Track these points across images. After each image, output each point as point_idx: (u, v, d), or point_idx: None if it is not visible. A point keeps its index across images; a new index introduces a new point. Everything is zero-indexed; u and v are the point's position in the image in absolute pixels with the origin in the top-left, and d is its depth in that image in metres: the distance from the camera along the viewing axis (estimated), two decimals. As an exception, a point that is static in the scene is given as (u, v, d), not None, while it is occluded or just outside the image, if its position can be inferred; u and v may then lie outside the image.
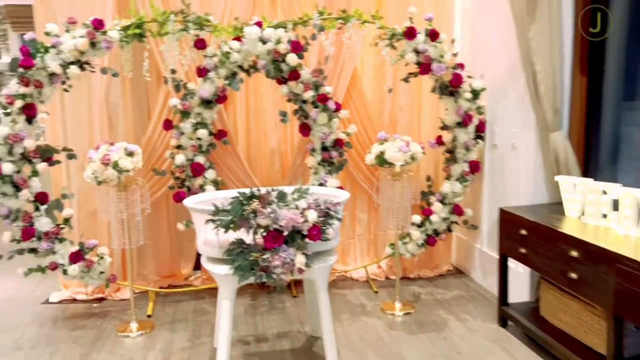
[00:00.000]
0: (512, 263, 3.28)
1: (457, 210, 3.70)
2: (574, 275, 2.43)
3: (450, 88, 3.49)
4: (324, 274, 2.55)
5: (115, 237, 3.21)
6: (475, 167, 3.64)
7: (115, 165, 2.95)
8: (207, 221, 2.34)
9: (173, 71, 3.38)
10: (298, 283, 3.76)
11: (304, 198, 2.39)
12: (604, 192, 2.58)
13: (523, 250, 2.84)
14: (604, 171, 3.10)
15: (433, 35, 3.36)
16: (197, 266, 4.03)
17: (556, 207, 2.98)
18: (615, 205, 2.52)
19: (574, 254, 2.42)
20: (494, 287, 3.58)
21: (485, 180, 3.77)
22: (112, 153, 2.98)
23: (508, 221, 2.99)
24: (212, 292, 3.74)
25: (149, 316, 3.43)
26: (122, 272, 3.74)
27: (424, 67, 3.40)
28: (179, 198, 3.50)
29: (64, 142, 3.58)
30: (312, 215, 2.36)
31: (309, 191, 2.44)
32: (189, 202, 2.62)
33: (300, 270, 2.38)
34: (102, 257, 3.35)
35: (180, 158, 3.46)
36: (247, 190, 2.35)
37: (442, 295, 3.68)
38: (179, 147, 3.50)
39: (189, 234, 3.87)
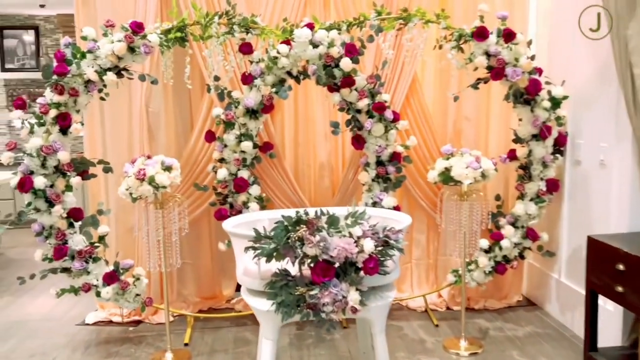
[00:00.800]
0: (600, 300, 2.79)
1: (531, 234, 3.27)
2: (694, 327, 1.95)
3: (526, 96, 3.07)
4: (381, 313, 2.19)
5: (150, 258, 2.96)
6: (553, 185, 3.18)
7: (152, 181, 2.70)
8: (247, 249, 2.03)
9: (216, 78, 3.12)
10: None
11: (360, 224, 2.03)
12: None
13: (620, 289, 2.37)
14: None
15: (508, 35, 2.94)
16: (240, 287, 3.72)
17: (660, 237, 2.49)
18: None
19: (696, 300, 1.94)
20: (575, 324, 3.11)
21: (565, 201, 3.30)
22: (148, 167, 2.72)
23: (599, 252, 2.52)
24: (254, 318, 3.43)
25: (185, 344, 3.16)
26: (160, 294, 3.48)
27: (497, 71, 2.98)
28: (220, 216, 3.23)
29: (103, 153, 3.39)
30: (369, 245, 2.00)
31: (365, 216, 2.08)
32: (227, 224, 2.31)
33: (354, 310, 2.02)
34: (138, 279, 3.11)
35: (222, 172, 3.19)
36: (293, 213, 2.02)
37: (513, 332, 3.22)
38: (221, 160, 3.24)
39: (231, 253, 3.57)
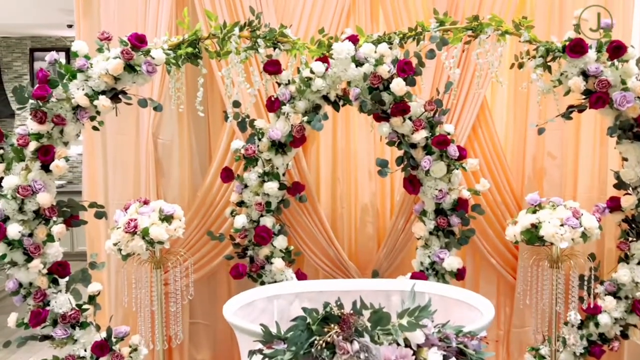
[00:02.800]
0: None
1: (638, 307, 2.53)
2: None
3: (637, 129, 2.34)
4: None
5: (142, 331, 2.37)
6: (671, 247, 2.43)
7: (145, 234, 2.11)
8: (252, 354, 1.38)
9: (236, 104, 2.59)
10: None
11: (419, 325, 1.35)
12: None
13: None
14: None
15: (615, 50, 2.25)
16: (263, 353, 3.12)
17: None
18: None
19: None
20: None
21: (687, 267, 2.52)
22: (142, 216, 2.15)
23: None
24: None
25: None
26: (167, 363, 2.91)
27: (599, 96, 2.28)
28: (237, 273, 2.67)
29: (104, 193, 2.92)
30: (435, 358, 1.31)
31: (428, 310, 1.40)
32: (228, 311, 1.68)
33: None
34: (135, 349, 2.57)
35: (241, 219, 2.63)
36: (320, 306, 1.37)
37: None
38: (240, 204, 2.68)
39: (253, 316, 3.00)
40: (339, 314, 1.36)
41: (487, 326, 1.50)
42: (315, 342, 1.34)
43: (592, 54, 2.30)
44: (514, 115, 2.93)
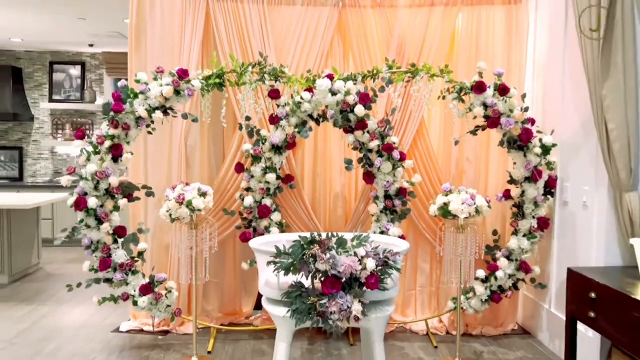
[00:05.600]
0: (581, 327, 3.11)
1: (524, 267, 3.60)
2: (647, 346, 2.28)
3: (519, 142, 3.46)
4: (380, 324, 2.55)
5: (183, 272, 3.38)
6: (544, 223, 3.53)
7: (189, 204, 3.14)
8: (269, 263, 2.43)
9: (248, 118, 3.58)
10: (356, 331, 3.74)
11: (363, 246, 2.43)
12: (683, 259, 2.43)
13: (592, 314, 2.70)
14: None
15: (502, 90, 3.37)
16: (258, 306, 4.11)
17: (631, 270, 2.82)
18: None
19: (648, 322, 2.28)
20: (561, 350, 3.39)
21: (554, 237, 3.64)
22: (187, 193, 3.17)
23: (576, 282, 2.86)
24: (271, 332, 3.80)
25: (209, 352, 3.53)
26: (187, 307, 3.88)
27: (492, 120, 3.40)
28: (245, 238, 3.63)
29: (144, 179, 3.83)
30: (371, 264, 2.39)
31: (368, 239, 2.48)
32: (253, 243, 2.73)
33: (357, 319, 2.39)
34: (169, 291, 3.51)
35: (248, 200, 3.61)
36: (308, 235, 2.43)
37: (505, 356, 3.53)
38: (248, 189, 3.66)
39: (252, 273, 3.98)
40: (319, 239, 2.42)
41: (404, 252, 2.56)
42: (305, 254, 2.40)
43: (489, 91, 3.41)
44: (443, 131, 3.96)
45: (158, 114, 3.33)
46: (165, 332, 3.85)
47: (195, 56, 3.78)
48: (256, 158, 3.60)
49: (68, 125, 7.26)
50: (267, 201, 3.63)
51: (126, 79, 3.59)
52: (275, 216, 3.65)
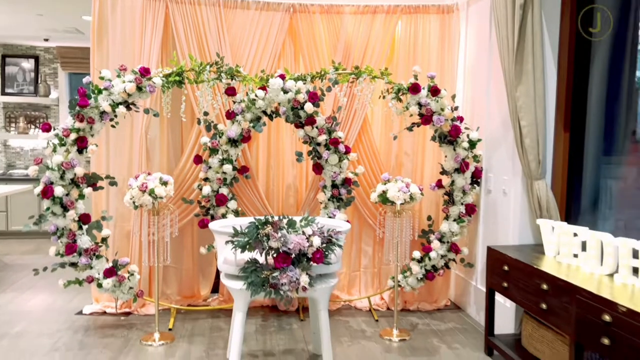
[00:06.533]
0: (500, 298, 3.60)
1: (454, 248, 4.05)
2: (544, 306, 2.76)
3: (449, 138, 3.91)
4: (325, 294, 2.93)
5: (145, 256, 3.65)
6: (471, 209, 4.00)
7: (151, 192, 3.42)
8: (227, 242, 2.76)
9: (206, 113, 3.87)
10: (306, 308, 4.12)
11: (310, 226, 2.80)
12: (575, 235, 2.92)
13: (505, 285, 3.18)
14: (585, 218, 3.44)
15: (434, 91, 3.80)
16: (215, 289, 4.42)
17: (539, 247, 3.32)
18: (585, 247, 2.85)
19: (545, 287, 2.75)
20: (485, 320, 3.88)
21: (480, 222, 4.12)
22: (149, 181, 3.44)
23: (494, 258, 3.34)
24: (228, 312, 4.13)
25: (170, 329, 3.82)
26: (148, 290, 4.15)
27: (426, 118, 3.84)
28: (203, 225, 3.93)
29: (106, 170, 4.07)
30: (317, 241, 2.76)
31: (314, 220, 2.85)
32: (213, 225, 3.06)
33: (304, 289, 2.76)
34: (132, 274, 3.77)
35: (206, 189, 3.91)
36: (262, 217, 2.77)
37: (437, 327, 3.98)
38: (206, 179, 3.95)
39: (210, 258, 4.31)
40: (272, 221, 2.77)
41: (346, 232, 2.95)
42: (260, 233, 2.74)
43: (423, 92, 3.84)
44: (384, 127, 4.39)
45: (121, 109, 3.58)
46: (128, 314, 4.11)
47: (156, 55, 4.03)
48: (214, 150, 3.90)
49: (22, 119, 7.27)
50: (224, 190, 3.94)
51: (82, 74, 3.81)
52: (232, 204, 3.96)
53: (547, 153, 3.46)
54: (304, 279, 2.76)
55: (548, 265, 2.91)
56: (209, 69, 3.75)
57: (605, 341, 2.27)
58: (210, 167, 3.92)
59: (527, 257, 3.09)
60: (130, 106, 3.66)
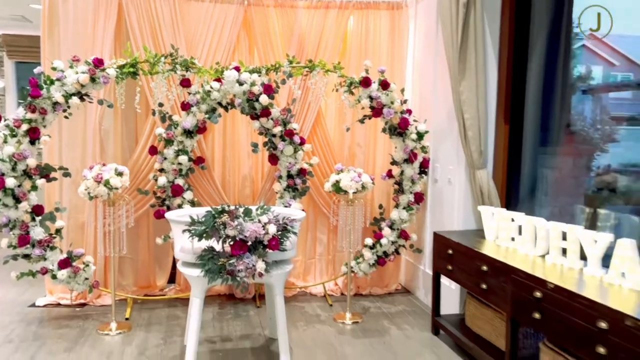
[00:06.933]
0: (445, 280, 3.82)
1: (404, 235, 4.25)
2: (484, 286, 2.98)
3: (398, 130, 4.09)
4: (280, 279, 3.05)
5: (101, 246, 3.66)
6: (419, 197, 4.21)
7: (107, 183, 3.43)
8: (184, 231, 2.83)
9: (160, 104, 3.90)
10: (262, 296, 4.23)
11: (266, 214, 2.91)
12: (512, 220, 3.15)
13: (449, 267, 3.39)
14: (523, 204, 3.69)
15: (384, 85, 3.97)
16: (172, 279, 4.47)
17: (481, 232, 3.54)
18: (521, 231, 3.09)
19: (485, 268, 2.97)
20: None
21: (428, 209, 4.33)
22: (104, 172, 3.46)
23: (440, 243, 3.54)
24: (184, 301, 4.19)
25: (127, 319, 3.85)
26: (104, 281, 4.15)
27: (376, 111, 4.00)
28: (159, 215, 3.97)
29: (59, 161, 4.03)
30: (272, 229, 2.87)
31: (270, 209, 2.96)
32: (170, 215, 3.11)
33: (260, 275, 2.87)
34: (87, 265, 3.77)
35: (162, 180, 3.94)
36: (218, 207, 2.86)
37: (388, 309, 4.18)
38: (161, 170, 3.98)
39: (166, 248, 4.34)
40: (228, 209, 2.86)
41: (300, 219, 3.07)
42: (217, 222, 2.83)
43: (374, 86, 4.01)
44: (338, 120, 4.54)
45: (75, 100, 3.56)
46: (83, 305, 4.10)
47: (109, 46, 4.02)
48: (169, 141, 3.94)
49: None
50: (180, 181, 3.98)
51: (30, 63, 3.77)
52: (188, 195, 4.01)
53: (489, 144, 3.68)
54: (260, 266, 2.86)
55: (488, 248, 3.13)
56: (164, 60, 3.77)
57: (537, 315, 2.49)
58: (165, 158, 3.95)
59: (469, 241, 3.31)
60: (84, 97, 3.65)
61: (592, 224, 3.28)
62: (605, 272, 2.45)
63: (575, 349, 2.25)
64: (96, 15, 4.00)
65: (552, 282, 2.42)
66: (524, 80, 3.68)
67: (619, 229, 3.25)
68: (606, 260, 2.49)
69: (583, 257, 2.64)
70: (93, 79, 3.59)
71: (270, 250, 2.89)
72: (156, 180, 3.99)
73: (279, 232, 2.90)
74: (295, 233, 2.96)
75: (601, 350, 2.07)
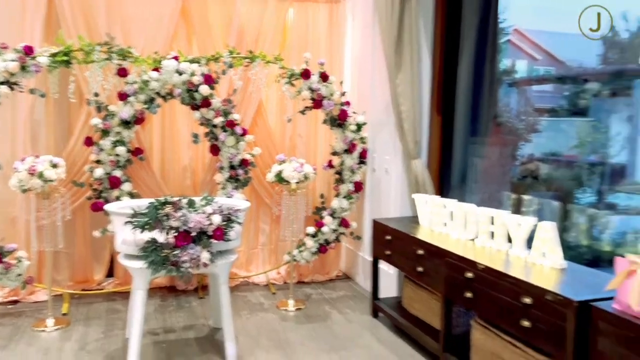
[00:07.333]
0: (384, 265, 3.99)
1: (344, 223, 4.38)
2: (420, 269, 3.15)
3: (338, 121, 4.20)
4: (225, 269, 3.08)
5: (35, 241, 3.54)
6: (358, 186, 4.35)
7: (41, 176, 3.32)
8: (126, 222, 2.81)
9: (96, 94, 3.79)
10: (204, 287, 4.24)
11: (210, 205, 2.93)
12: (445, 206, 3.34)
13: (388, 252, 3.55)
14: (455, 191, 3.91)
15: (324, 77, 4.06)
16: (110, 273, 4.38)
17: (416, 218, 3.72)
18: (453, 216, 3.28)
19: (420, 252, 3.14)
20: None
21: (366, 198, 4.49)
22: (38, 164, 3.34)
23: (378, 230, 3.70)
24: (124, 294, 4.12)
25: (64, 314, 3.75)
26: (38, 277, 4.01)
27: (317, 102, 4.09)
28: (96, 208, 3.87)
29: (-13, 154, 3.84)
30: (217, 219, 2.89)
31: (214, 199, 2.98)
32: (110, 207, 3.06)
33: (205, 265, 2.89)
34: (20, 260, 3.61)
35: (99, 172, 3.85)
36: (161, 198, 2.85)
37: (329, 295, 4.31)
38: (98, 161, 3.88)
39: (104, 242, 4.25)
40: (172, 200, 2.86)
41: (244, 209, 3.11)
42: (160, 213, 2.82)
43: (314, 78, 4.09)
44: (279, 111, 4.60)
45: (3, 89, 3.41)
46: (15, 302, 3.95)
47: (38, 33, 3.86)
48: (105, 132, 3.84)
49: None
50: (118, 173, 3.90)
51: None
52: (126, 186, 3.94)
53: (423, 134, 3.86)
54: (205, 256, 2.88)
55: (423, 233, 3.31)
56: (99, 49, 3.67)
57: (469, 295, 2.68)
58: (102, 149, 3.86)
59: (405, 227, 3.47)
60: (13, 86, 3.49)
61: (517, 209, 3.54)
62: (529, 253, 2.67)
63: (504, 324, 2.45)
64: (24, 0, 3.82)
65: (482, 263, 2.61)
66: (455, 74, 3.88)
67: (541, 213, 3.53)
68: (530, 242, 2.71)
69: (510, 239, 2.85)
70: (23, 67, 3.44)
71: (215, 241, 2.92)
72: (92, 172, 3.89)
73: (224, 223, 2.93)
74: (239, 223, 3.00)
75: (525, 323, 2.27)
